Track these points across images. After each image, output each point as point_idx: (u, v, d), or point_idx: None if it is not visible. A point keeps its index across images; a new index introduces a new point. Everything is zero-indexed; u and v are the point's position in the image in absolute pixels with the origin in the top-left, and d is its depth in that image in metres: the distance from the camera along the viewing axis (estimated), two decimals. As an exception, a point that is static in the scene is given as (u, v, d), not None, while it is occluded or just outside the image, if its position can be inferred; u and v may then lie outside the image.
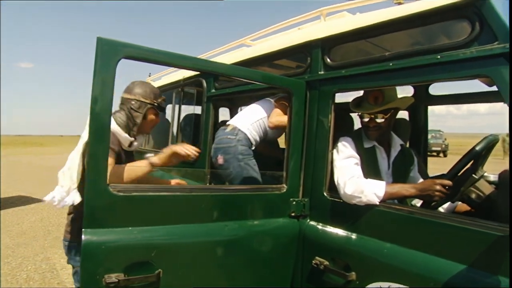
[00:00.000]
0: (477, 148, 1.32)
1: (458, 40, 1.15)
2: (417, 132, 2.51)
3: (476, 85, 2.36)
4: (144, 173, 1.49)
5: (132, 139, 1.65)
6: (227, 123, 2.24)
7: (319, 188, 1.54)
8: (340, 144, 1.53)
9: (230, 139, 2.05)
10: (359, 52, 1.69)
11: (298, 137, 1.61)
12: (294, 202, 1.59)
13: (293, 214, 1.59)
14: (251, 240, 1.46)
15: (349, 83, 1.46)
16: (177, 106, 2.85)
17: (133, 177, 1.47)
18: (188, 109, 2.93)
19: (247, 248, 1.45)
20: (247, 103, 3.68)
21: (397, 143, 1.65)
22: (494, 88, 2.24)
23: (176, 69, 3.08)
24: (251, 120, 2.15)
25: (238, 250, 1.43)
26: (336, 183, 1.44)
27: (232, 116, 3.62)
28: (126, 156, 1.68)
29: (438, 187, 1.26)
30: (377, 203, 1.31)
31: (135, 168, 1.49)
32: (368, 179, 1.39)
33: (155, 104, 1.71)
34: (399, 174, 1.61)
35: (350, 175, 1.42)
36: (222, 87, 2.24)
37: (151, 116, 1.72)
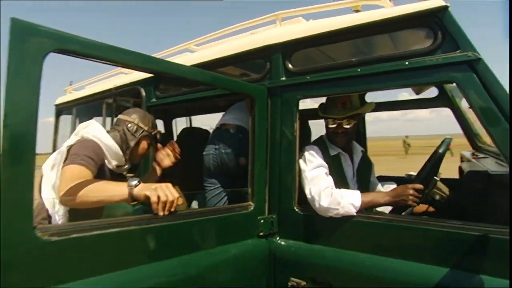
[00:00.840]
0: (440, 150, 1.38)
1: (423, 47, 1.18)
2: (357, 138, 2.62)
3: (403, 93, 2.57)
4: (116, 202, 1.15)
5: (123, 162, 1.52)
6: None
7: (288, 203, 1.42)
8: (307, 154, 1.45)
9: None
10: (321, 58, 1.66)
11: (262, 148, 1.48)
12: (262, 221, 1.44)
13: (261, 234, 1.44)
14: (218, 271, 1.26)
15: (315, 89, 1.40)
16: (108, 120, 2.46)
17: (103, 199, 1.14)
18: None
19: (215, 281, 1.24)
20: (191, 113, 3.45)
21: (358, 149, 1.65)
22: (419, 96, 2.61)
23: (104, 78, 2.69)
24: None
25: (207, 284, 1.21)
26: (308, 195, 1.35)
27: (167, 129, 3.31)
28: (112, 177, 1.44)
29: (411, 191, 1.26)
30: (354, 213, 1.25)
31: (109, 189, 1.15)
32: (342, 189, 1.33)
33: (151, 133, 1.61)
34: (363, 180, 1.61)
35: (324, 186, 1.34)
36: (165, 95, 1.99)
37: (144, 144, 1.60)
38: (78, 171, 1.21)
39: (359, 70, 1.28)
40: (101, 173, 1.36)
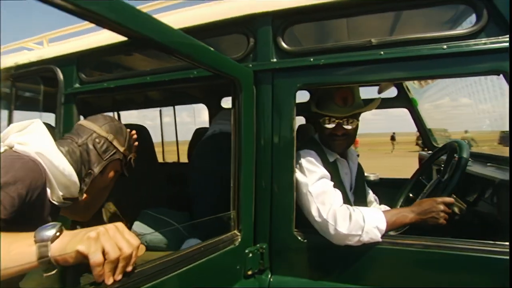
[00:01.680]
0: (464, 155, 1.17)
1: (464, 30, 0.94)
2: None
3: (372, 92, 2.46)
4: (19, 272, 0.59)
5: (75, 193, 0.94)
6: None
7: (284, 227, 1.06)
8: (304, 161, 1.11)
9: None
10: (324, 37, 1.33)
11: (250, 154, 1.09)
12: (250, 254, 1.05)
13: (249, 273, 1.04)
14: None
15: (321, 76, 1.05)
16: (4, 114, 1.73)
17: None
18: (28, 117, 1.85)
19: None
20: (131, 105, 2.82)
21: (353, 154, 1.37)
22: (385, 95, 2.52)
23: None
24: None
25: None
26: (316, 217, 1.01)
27: None
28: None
29: (442, 207, 1.02)
30: (380, 240, 0.96)
31: (14, 249, 0.59)
32: (360, 208, 1.02)
33: (127, 158, 1.07)
34: (361, 192, 1.33)
35: (337, 205, 1.01)
36: (96, 79, 1.43)
37: (111, 173, 1.05)
38: None
39: (382, 53, 0.98)
40: (34, 208, 0.80)
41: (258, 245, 1.07)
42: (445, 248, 0.91)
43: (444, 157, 1.44)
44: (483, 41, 0.91)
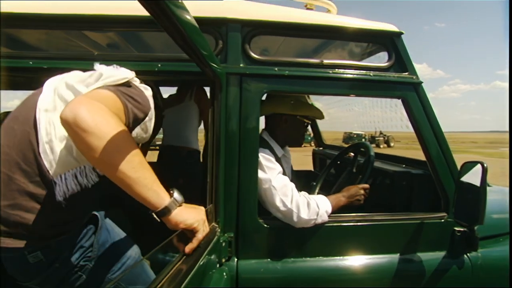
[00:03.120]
0: (372, 153, 1.57)
1: (382, 64, 1.31)
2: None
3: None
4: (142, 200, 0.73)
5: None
6: None
7: (250, 215, 1.18)
8: (262, 159, 1.25)
9: None
10: (277, 50, 1.47)
11: (222, 148, 1.15)
12: (223, 244, 1.12)
13: (223, 261, 1.12)
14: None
15: (283, 85, 1.23)
16: None
17: (131, 184, 0.70)
18: None
19: None
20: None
21: (288, 149, 1.60)
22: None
23: None
24: None
25: None
26: (281, 207, 1.18)
27: None
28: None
29: (362, 192, 1.36)
30: (327, 219, 1.22)
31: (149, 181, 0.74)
32: (312, 196, 1.25)
33: None
34: (294, 181, 1.58)
35: (297, 195, 1.21)
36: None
37: None
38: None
39: (330, 72, 1.25)
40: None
41: (226, 234, 1.16)
42: (369, 220, 1.26)
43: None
44: (393, 74, 1.30)
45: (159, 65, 1.18)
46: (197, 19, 1.16)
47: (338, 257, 1.21)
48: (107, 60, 1.09)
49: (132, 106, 0.84)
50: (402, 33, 1.30)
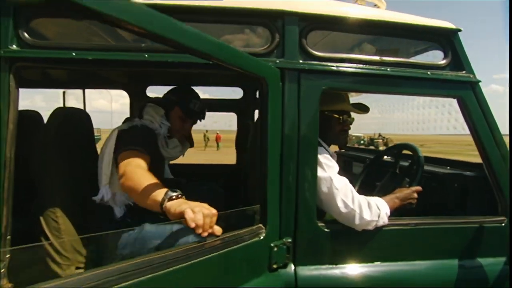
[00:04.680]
0: (421, 154, 1.52)
1: (439, 62, 1.26)
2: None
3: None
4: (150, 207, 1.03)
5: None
6: None
7: (309, 219, 1.12)
8: (321, 157, 1.20)
9: None
10: (333, 46, 1.42)
11: (276, 150, 1.09)
12: (275, 248, 1.06)
13: (274, 267, 1.06)
14: None
15: (342, 82, 1.18)
16: None
17: (140, 200, 1.07)
18: None
19: None
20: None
21: None
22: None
23: None
24: None
25: None
26: (342, 208, 1.12)
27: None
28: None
29: (415, 195, 1.31)
30: (387, 222, 1.16)
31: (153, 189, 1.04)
32: (371, 198, 1.19)
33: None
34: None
35: (358, 196, 1.15)
36: (50, 43, 1.07)
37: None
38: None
39: (388, 70, 1.20)
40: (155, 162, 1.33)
41: (283, 239, 1.09)
42: (428, 224, 1.21)
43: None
44: (450, 73, 1.25)
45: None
46: (253, 10, 1.13)
47: (401, 262, 1.16)
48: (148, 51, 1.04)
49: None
50: (459, 30, 1.26)
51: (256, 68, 1.02)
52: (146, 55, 1.06)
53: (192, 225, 0.84)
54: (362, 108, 1.41)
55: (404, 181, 1.49)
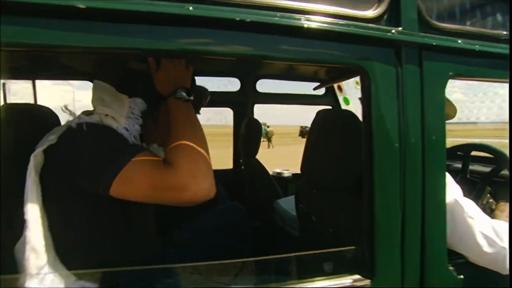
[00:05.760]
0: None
1: None
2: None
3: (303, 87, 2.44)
4: None
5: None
6: None
7: (439, 261, 0.78)
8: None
9: None
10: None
11: (388, 162, 0.73)
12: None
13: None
14: None
15: (471, 66, 0.84)
16: None
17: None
18: None
19: None
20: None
21: None
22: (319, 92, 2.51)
23: None
24: None
25: None
26: (484, 247, 0.78)
27: None
28: None
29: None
30: None
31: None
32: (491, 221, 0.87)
33: None
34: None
35: (497, 225, 0.82)
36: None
37: None
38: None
39: (525, 51, 0.88)
40: None
41: (407, 292, 0.74)
42: None
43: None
44: None
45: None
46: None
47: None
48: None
49: None
50: None
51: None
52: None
53: None
54: None
55: (486, 190, 1.21)
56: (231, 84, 2.37)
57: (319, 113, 1.12)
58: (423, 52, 0.78)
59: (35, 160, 0.75)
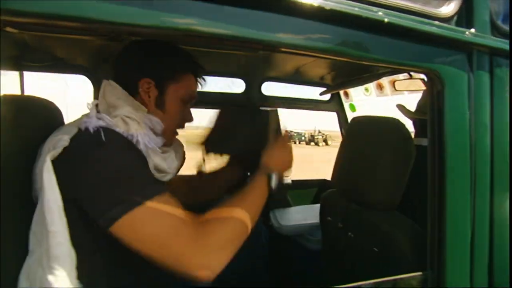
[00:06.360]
0: None
1: None
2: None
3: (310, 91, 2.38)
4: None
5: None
6: None
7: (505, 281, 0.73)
8: None
9: None
10: None
11: (460, 174, 0.67)
12: None
13: None
14: None
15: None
16: None
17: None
18: None
19: None
20: None
21: None
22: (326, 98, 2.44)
23: None
24: None
25: None
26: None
27: None
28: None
29: None
30: None
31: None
32: None
33: None
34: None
35: None
36: None
37: None
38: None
39: None
40: None
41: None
42: None
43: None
44: None
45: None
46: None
47: None
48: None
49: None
50: None
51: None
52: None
53: None
54: None
55: None
56: (235, 85, 2.26)
57: (355, 120, 1.05)
58: (494, 57, 0.73)
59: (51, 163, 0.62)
